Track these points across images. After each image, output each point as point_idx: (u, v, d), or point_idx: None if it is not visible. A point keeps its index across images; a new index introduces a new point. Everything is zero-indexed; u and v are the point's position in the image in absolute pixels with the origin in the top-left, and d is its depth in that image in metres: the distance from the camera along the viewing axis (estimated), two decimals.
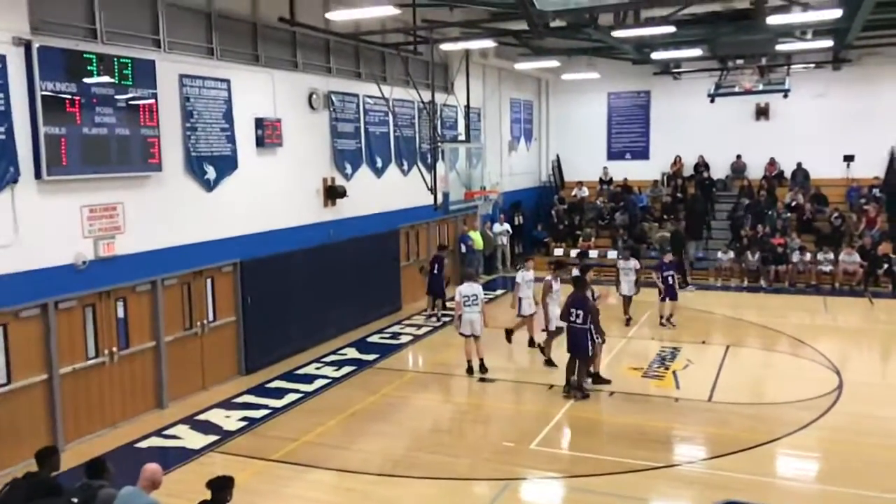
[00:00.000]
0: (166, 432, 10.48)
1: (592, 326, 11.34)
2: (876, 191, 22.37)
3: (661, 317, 15.66)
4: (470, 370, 12.78)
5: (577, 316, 11.33)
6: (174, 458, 9.54)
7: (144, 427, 10.63)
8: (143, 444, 10.06)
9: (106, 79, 10.15)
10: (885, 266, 19.06)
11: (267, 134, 13.23)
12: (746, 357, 13.76)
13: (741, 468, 8.85)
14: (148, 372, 11.27)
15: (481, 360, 12.76)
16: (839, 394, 11.33)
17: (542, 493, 8.71)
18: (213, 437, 10.22)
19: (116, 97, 10.30)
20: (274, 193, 13.70)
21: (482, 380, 12.49)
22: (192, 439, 10.20)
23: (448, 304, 17.61)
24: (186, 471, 9.13)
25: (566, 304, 11.71)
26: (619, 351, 13.95)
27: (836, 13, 13.98)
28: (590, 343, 11.34)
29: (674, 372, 12.65)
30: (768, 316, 16.67)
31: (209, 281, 12.38)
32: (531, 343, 14.03)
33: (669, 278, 15.53)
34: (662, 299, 15.64)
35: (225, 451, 9.79)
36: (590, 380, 11.79)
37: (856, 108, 23.08)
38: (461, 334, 12.80)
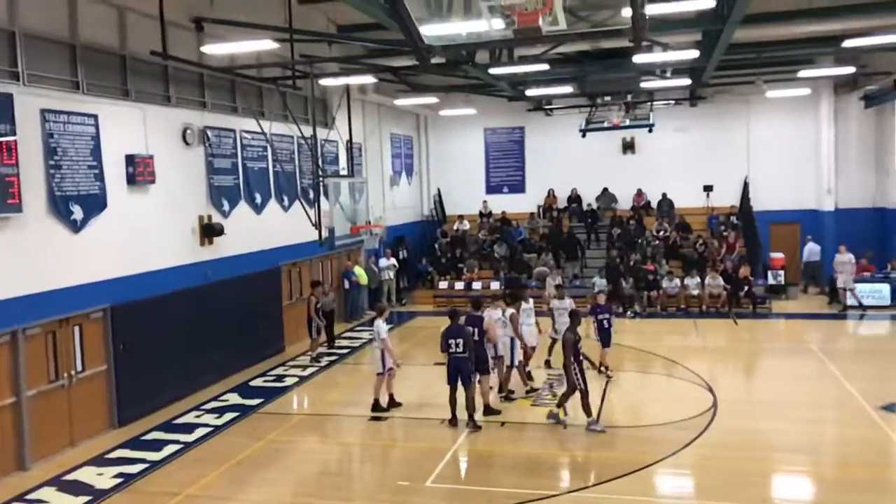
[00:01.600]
0: (29, 496, 9.59)
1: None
2: (733, 218, 24.03)
3: (601, 364, 13.84)
4: (391, 405, 12.60)
5: (458, 345, 11.43)
6: None
7: (4, 493, 9.67)
8: None
9: None
10: (746, 288, 20.40)
11: (138, 171, 12.61)
12: (628, 381, 14.22)
13: (631, 490, 9.08)
14: (7, 431, 10.31)
15: (376, 399, 12.52)
16: (714, 411, 11.91)
17: None
18: (83, 499, 9.45)
19: None
20: (147, 233, 13.04)
21: (374, 418, 12.25)
22: (60, 502, 9.39)
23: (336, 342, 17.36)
24: None
25: (444, 335, 11.66)
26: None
27: (694, 54, 15.05)
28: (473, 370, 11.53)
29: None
30: (644, 339, 17.38)
31: (77, 328, 11.55)
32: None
33: (605, 322, 13.79)
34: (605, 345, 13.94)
35: None
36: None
37: (712, 142, 24.89)
38: None
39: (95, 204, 11.84)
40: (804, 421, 11.47)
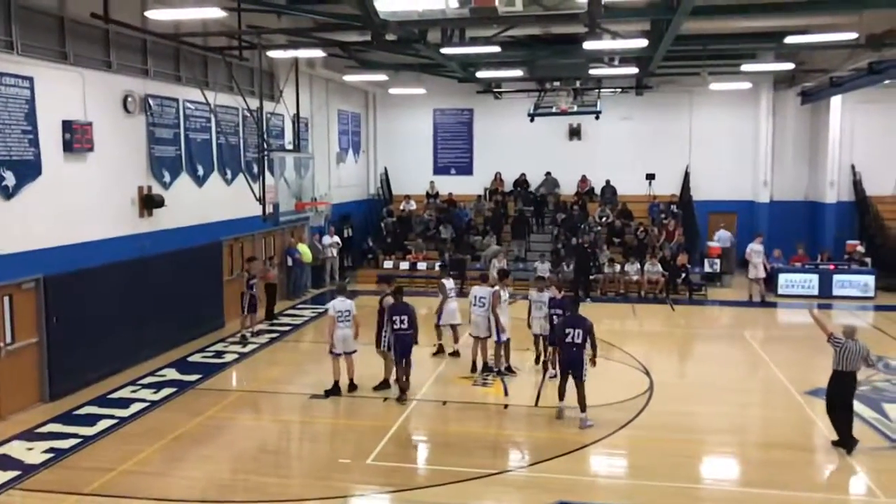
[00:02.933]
0: None
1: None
2: (673, 207, 24.59)
3: (547, 360, 13.08)
4: (335, 391, 12.15)
5: (402, 322, 11.75)
6: None
7: None
8: None
9: None
10: (683, 276, 20.94)
11: (76, 138, 12.17)
12: None
13: (569, 469, 9.30)
14: None
15: (351, 378, 12.29)
16: (650, 394, 12.24)
17: None
18: (12, 473, 9.16)
19: None
20: (84, 202, 12.63)
21: (314, 396, 12.17)
22: None
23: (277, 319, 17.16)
24: None
25: (389, 312, 11.91)
26: (448, 361, 14.20)
27: (642, 43, 15.27)
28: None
29: (502, 379, 13.05)
30: None
31: (7, 299, 11.16)
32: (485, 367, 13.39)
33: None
34: (550, 343, 12.51)
35: (28, 488, 8.83)
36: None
37: (656, 131, 25.36)
38: (332, 353, 12.12)
39: (29, 170, 11.39)
40: (734, 404, 11.88)
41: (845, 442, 9.75)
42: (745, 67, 19.93)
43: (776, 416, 11.43)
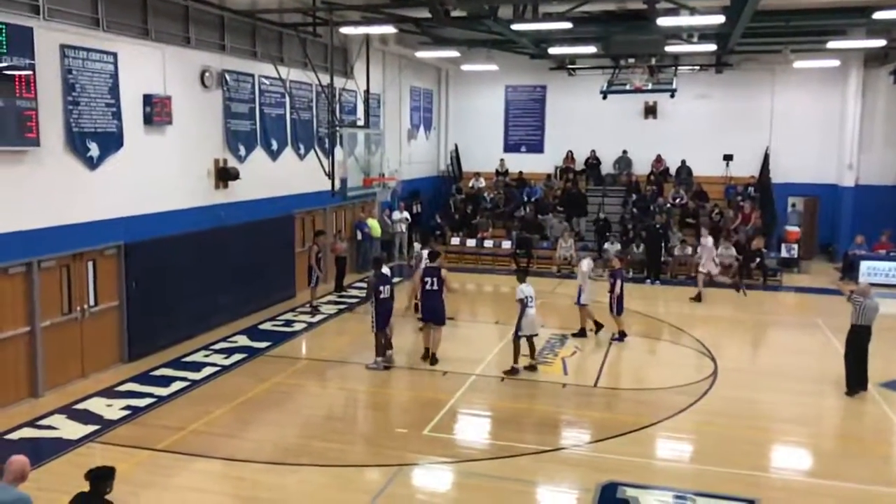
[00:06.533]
0: (41, 423, 9.92)
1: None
2: (751, 189, 23.81)
3: (620, 331, 14.36)
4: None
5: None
6: (49, 449, 9.04)
7: (16, 417, 10.01)
8: (15, 436, 9.47)
9: None
10: (758, 260, 20.32)
11: (156, 111, 12.67)
12: (630, 344, 14.29)
13: (624, 451, 9.23)
14: (21, 359, 10.61)
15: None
16: (714, 379, 12.02)
17: (433, 478, 8.79)
18: (92, 427, 9.76)
19: None
20: (162, 173, 13.16)
21: (385, 367, 12.42)
22: (70, 429, 9.70)
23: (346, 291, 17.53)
24: (64, 462, 8.70)
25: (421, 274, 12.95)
26: (509, 339, 14.23)
27: (720, 19, 14.76)
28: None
29: (562, 359, 13.05)
30: (651, 305, 17.43)
31: (90, 264, 11.78)
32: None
33: (617, 287, 14.20)
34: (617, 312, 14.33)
35: (105, 442, 9.37)
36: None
37: (734, 111, 24.50)
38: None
39: (112, 142, 11.94)
40: (803, 393, 11.55)
41: (853, 385, 11.14)
42: (832, 44, 19.00)
43: (847, 406, 11.05)
